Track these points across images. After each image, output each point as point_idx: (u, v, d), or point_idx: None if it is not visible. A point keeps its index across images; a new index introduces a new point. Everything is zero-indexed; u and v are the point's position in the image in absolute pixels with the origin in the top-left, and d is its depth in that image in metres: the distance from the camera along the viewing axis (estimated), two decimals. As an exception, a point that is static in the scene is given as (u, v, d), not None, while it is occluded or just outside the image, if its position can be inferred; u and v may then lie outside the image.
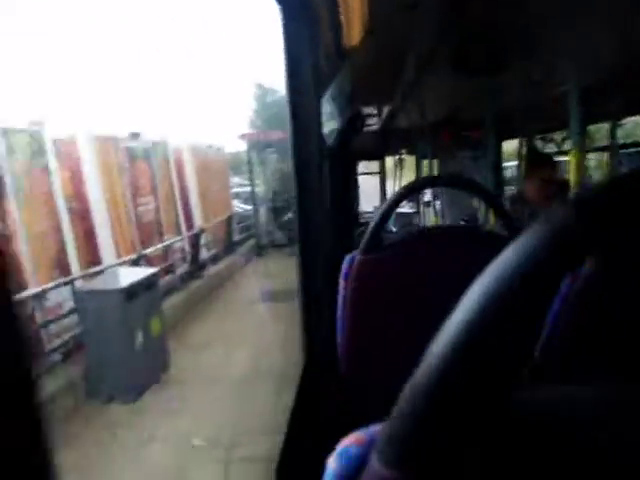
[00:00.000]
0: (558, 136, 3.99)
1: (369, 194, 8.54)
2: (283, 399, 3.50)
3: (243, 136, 10.33)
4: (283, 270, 7.80)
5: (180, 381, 4.17)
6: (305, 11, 1.07)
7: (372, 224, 1.08)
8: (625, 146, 3.71)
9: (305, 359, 1.36)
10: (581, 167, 1.51)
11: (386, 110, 4.37)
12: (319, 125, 1.07)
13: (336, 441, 0.33)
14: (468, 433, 0.25)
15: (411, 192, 1.12)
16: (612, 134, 2.43)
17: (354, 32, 1.72)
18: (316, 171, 1.07)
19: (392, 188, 7.05)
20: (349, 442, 0.31)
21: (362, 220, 6.79)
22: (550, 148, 4.03)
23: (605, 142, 3.67)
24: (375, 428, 0.31)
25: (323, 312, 1.30)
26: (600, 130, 4.17)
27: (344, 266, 1.11)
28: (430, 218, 5.34)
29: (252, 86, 21.84)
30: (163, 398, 3.87)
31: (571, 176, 1.54)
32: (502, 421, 0.25)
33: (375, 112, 3.69)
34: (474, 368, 0.25)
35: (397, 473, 0.27)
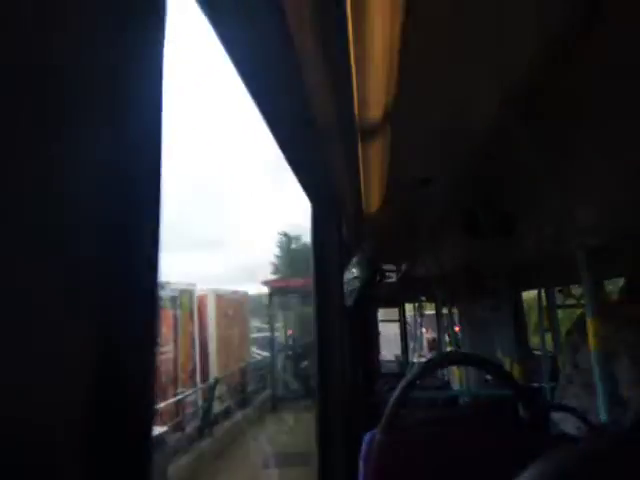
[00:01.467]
0: (577, 290, 3.99)
1: (390, 339, 8.39)
2: None
3: (266, 283, 10.62)
4: (298, 427, 7.27)
5: None
6: (331, 199, 1.19)
7: (391, 401, 1.05)
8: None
9: None
10: (595, 333, 1.46)
11: (404, 266, 4.52)
12: (341, 297, 1.11)
13: None
14: None
15: (429, 371, 1.10)
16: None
17: (373, 203, 1.88)
18: (338, 344, 1.07)
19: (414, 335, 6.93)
20: None
21: (384, 371, 6.52)
22: (570, 301, 3.99)
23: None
24: None
25: None
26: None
27: (363, 447, 1.05)
28: (454, 374, 5.11)
29: (277, 234, 23.17)
30: None
31: (589, 339, 1.49)
32: None
33: (394, 268, 3.82)
34: None
35: None
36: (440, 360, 1.92)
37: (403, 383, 1.04)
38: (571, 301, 3.99)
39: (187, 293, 7.40)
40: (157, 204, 0.24)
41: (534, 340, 5.49)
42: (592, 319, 1.39)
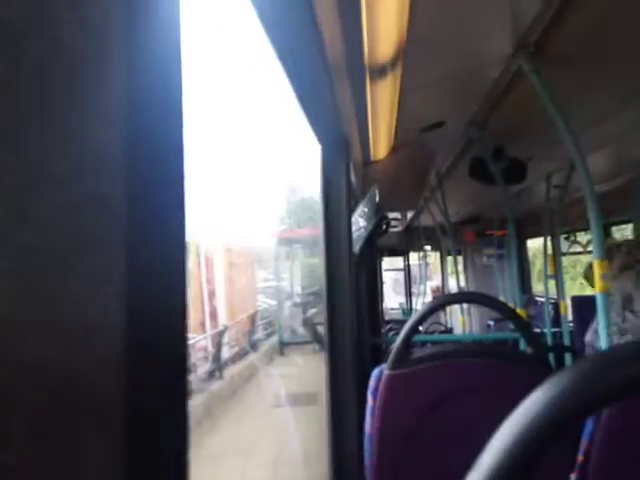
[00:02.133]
0: (583, 237, 3.98)
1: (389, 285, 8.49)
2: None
3: (272, 234, 10.71)
4: (305, 370, 7.56)
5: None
6: (340, 142, 1.17)
7: (400, 336, 1.08)
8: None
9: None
10: (601, 275, 1.47)
11: (411, 214, 4.51)
12: (350, 242, 1.12)
13: None
14: None
15: (438, 308, 1.13)
16: (636, 236, 2.42)
17: (381, 148, 1.85)
18: (347, 286, 1.09)
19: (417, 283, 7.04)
20: None
21: (387, 318, 6.68)
22: (575, 248, 4.00)
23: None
24: None
25: (351, 427, 1.24)
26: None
27: (372, 381, 1.09)
28: (458, 317, 5.21)
29: (283, 185, 22.97)
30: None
31: (595, 281, 1.50)
32: None
33: (399, 217, 3.82)
34: None
35: None
36: (450, 298, 1.95)
37: (412, 320, 1.07)
38: (577, 248, 4.00)
39: (194, 244, 7.49)
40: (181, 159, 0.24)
41: (538, 287, 5.56)
42: (599, 262, 1.39)
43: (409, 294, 7.39)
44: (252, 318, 9.21)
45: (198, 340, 6.90)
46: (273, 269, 11.02)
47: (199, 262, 7.69)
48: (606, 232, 3.50)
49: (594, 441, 0.88)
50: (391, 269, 8.44)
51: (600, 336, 1.50)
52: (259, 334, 9.46)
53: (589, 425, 0.91)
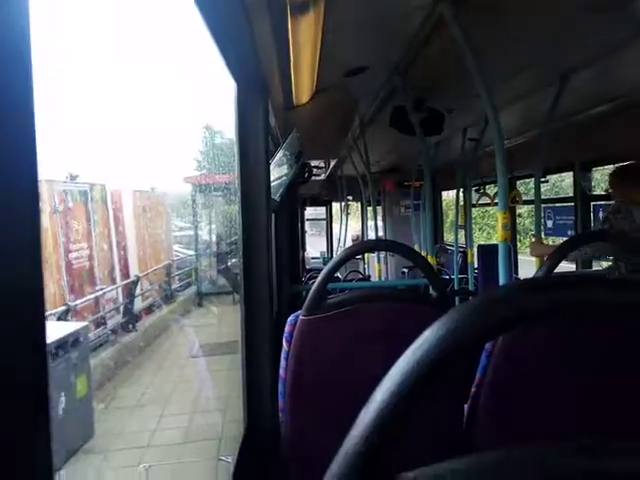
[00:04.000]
0: (491, 190, 4.26)
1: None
2: (220, 469, 3.26)
3: (188, 179, 10.17)
4: (223, 320, 7.56)
5: (104, 449, 3.78)
6: (258, 81, 1.07)
7: (314, 285, 1.07)
8: (545, 201, 3.98)
9: (246, 424, 1.28)
10: (504, 225, 1.59)
11: (333, 162, 4.49)
12: (268, 188, 1.06)
13: None
14: None
15: (351, 256, 1.13)
16: (536, 189, 2.63)
17: (303, 92, 1.76)
18: (264, 233, 1.04)
19: (338, 232, 7.19)
20: None
21: (308, 267, 6.80)
22: (484, 200, 4.28)
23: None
24: None
25: (266, 372, 1.25)
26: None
27: (287, 327, 1.09)
28: (375, 268, 5.45)
29: (200, 128, 21.72)
30: (83, 470, 3.48)
31: (498, 232, 1.62)
32: None
33: (322, 165, 3.79)
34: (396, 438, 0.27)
35: None
36: (363, 245, 2.02)
37: (328, 267, 1.07)
38: (486, 200, 4.26)
39: (99, 188, 6.91)
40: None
41: (450, 238, 5.90)
42: (502, 213, 1.48)
43: (330, 243, 7.53)
44: (168, 268, 8.90)
45: (107, 291, 6.54)
46: (190, 217, 10.61)
47: (106, 208, 7.15)
48: (511, 185, 3.76)
49: (486, 374, 0.96)
50: (313, 219, 8.50)
51: (500, 280, 1.63)
52: (175, 285, 9.19)
53: (483, 360, 0.98)
